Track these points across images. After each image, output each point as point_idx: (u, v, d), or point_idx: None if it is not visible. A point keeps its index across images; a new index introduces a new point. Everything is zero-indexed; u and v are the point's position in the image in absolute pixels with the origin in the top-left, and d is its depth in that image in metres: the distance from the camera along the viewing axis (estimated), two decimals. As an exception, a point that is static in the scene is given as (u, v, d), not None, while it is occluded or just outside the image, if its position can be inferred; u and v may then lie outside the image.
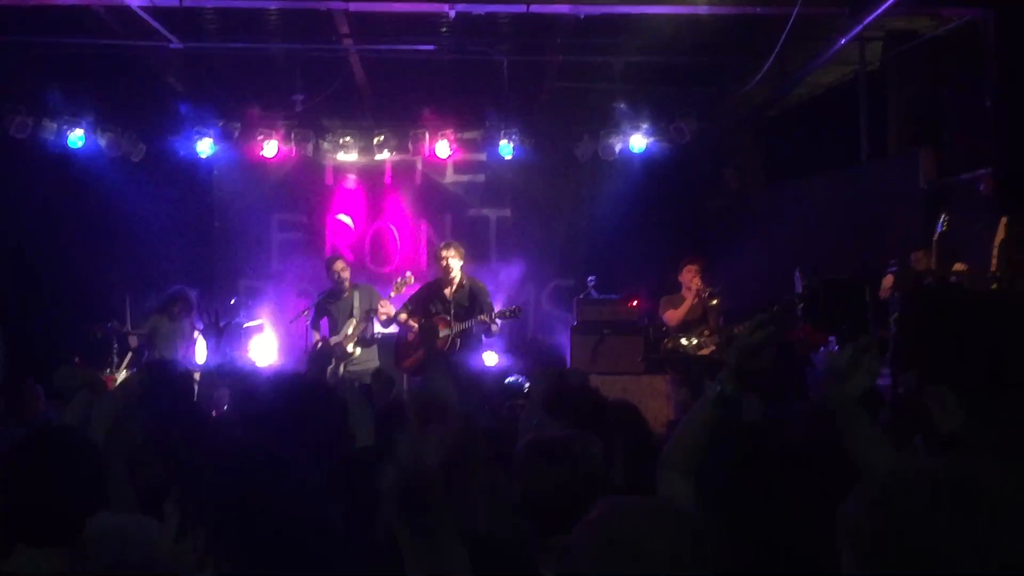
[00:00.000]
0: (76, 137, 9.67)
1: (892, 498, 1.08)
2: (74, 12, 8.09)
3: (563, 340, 9.38)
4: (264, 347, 9.85)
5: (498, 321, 8.05)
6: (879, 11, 7.16)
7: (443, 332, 7.94)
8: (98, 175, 9.84)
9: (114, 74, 9.48)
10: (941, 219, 6.80)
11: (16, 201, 9.24)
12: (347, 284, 8.39)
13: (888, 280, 7.20)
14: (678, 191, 10.30)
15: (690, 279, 8.25)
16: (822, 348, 7.25)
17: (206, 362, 8.49)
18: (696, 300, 8.13)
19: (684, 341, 8.13)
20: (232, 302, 9.50)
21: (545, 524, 2.26)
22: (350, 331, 8.28)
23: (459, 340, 8.00)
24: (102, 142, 9.80)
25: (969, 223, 7.14)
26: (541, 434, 2.62)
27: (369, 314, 8.28)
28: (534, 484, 2.33)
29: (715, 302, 8.04)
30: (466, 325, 7.95)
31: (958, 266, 6.62)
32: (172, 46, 8.52)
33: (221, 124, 10.05)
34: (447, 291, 8.07)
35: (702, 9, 7.52)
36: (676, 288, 8.40)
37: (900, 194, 8.26)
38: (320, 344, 8.38)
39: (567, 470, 2.34)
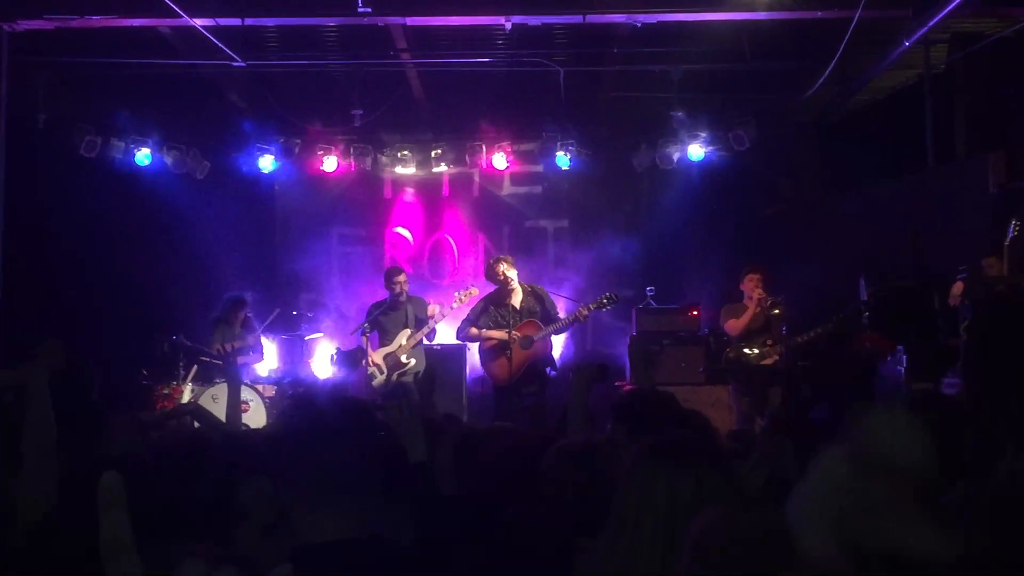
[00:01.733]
0: (143, 155, 9.93)
1: None
2: (140, 33, 8.31)
3: (622, 351, 9.32)
4: (325, 360, 9.96)
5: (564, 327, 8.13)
6: (944, 12, 7.00)
7: (537, 335, 7.99)
8: (164, 192, 10.08)
9: (179, 93, 9.72)
10: (1012, 224, 6.60)
11: (85, 218, 9.48)
12: (405, 296, 8.45)
13: (958, 287, 7.00)
14: (738, 199, 10.18)
15: (752, 288, 8.12)
16: (889, 357, 7.08)
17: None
18: (758, 309, 8.01)
19: (747, 351, 8.01)
20: (295, 314, 9.63)
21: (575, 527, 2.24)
22: (404, 341, 8.34)
23: (545, 344, 8.08)
24: (168, 160, 10.04)
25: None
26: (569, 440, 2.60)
27: (420, 324, 8.35)
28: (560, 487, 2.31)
29: (777, 311, 7.92)
30: (557, 326, 8.06)
31: None
32: (235, 64, 8.69)
33: (282, 140, 10.23)
34: (514, 301, 8.10)
35: (760, 15, 7.43)
36: (738, 297, 8.29)
37: (969, 199, 8.04)
38: (355, 351, 8.45)
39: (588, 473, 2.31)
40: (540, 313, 8.12)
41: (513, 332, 7.95)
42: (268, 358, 9.30)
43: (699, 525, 1.47)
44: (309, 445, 2.20)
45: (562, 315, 8.24)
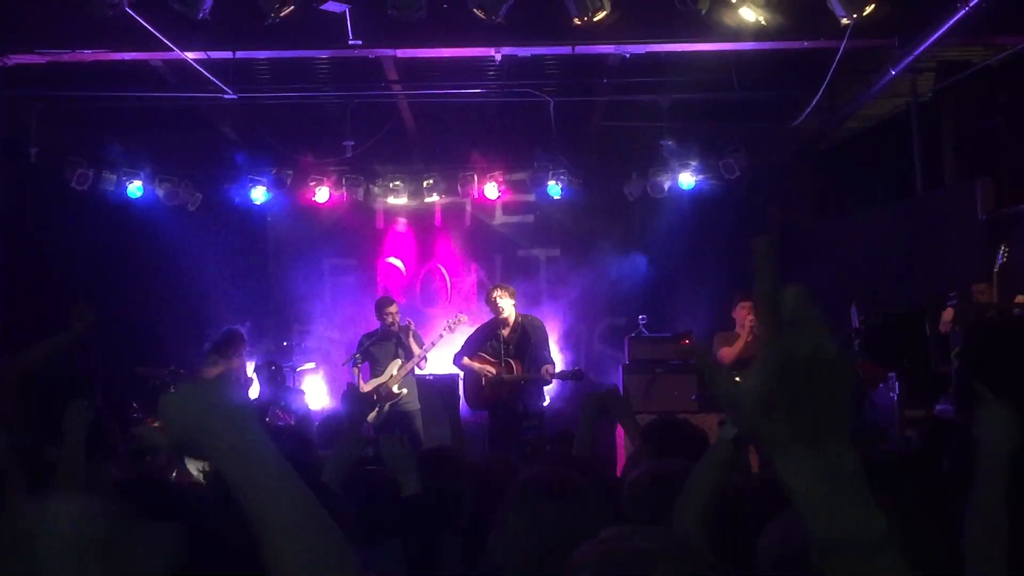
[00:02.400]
0: (135, 188, 9.94)
1: None
2: (132, 67, 8.34)
3: (616, 379, 9.30)
4: (316, 389, 9.93)
5: (552, 373, 8.07)
6: (929, 42, 7.05)
7: (509, 376, 7.95)
8: (156, 224, 10.09)
9: (170, 125, 9.76)
10: (1001, 251, 6.63)
11: (78, 251, 9.48)
12: (396, 327, 8.43)
13: (948, 313, 7.02)
14: (728, 228, 10.21)
15: (744, 316, 8.13)
16: (881, 384, 7.08)
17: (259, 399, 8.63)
18: (750, 338, 8.00)
19: (739, 379, 7.98)
20: (285, 344, 9.60)
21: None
22: (395, 372, 8.31)
23: (526, 383, 8.04)
24: (160, 192, 10.06)
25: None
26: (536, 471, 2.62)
27: (416, 357, 8.32)
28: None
29: None
30: (531, 375, 7.97)
31: (1020, 298, 6.44)
32: (226, 97, 8.72)
33: (274, 171, 10.27)
34: (504, 332, 8.08)
35: (748, 45, 7.49)
36: (730, 325, 8.29)
37: (958, 226, 8.08)
38: (352, 388, 8.44)
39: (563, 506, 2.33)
40: (525, 348, 8.06)
41: (487, 368, 7.96)
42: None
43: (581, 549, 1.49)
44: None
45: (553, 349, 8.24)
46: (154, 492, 2.50)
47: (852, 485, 0.91)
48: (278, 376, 8.98)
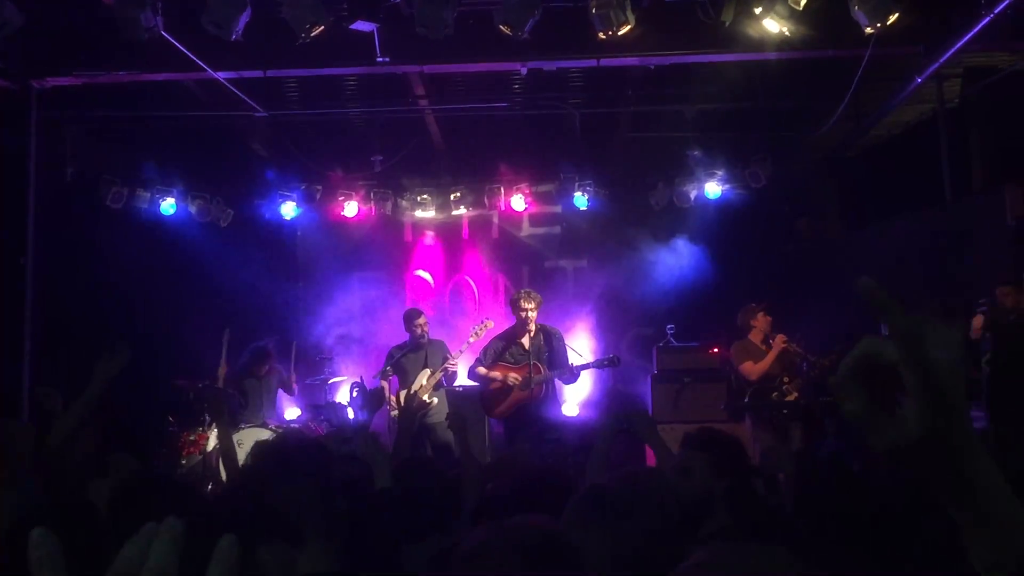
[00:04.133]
0: (168, 205, 10.13)
1: None
2: (165, 87, 8.52)
3: (644, 389, 9.32)
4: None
5: (577, 370, 8.02)
6: (955, 48, 7.05)
7: (538, 376, 7.93)
8: (189, 241, 10.25)
9: (202, 143, 9.93)
10: (1031, 256, 6.61)
11: (113, 268, 9.64)
12: (425, 339, 8.49)
13: (978, 320, 6.99)
14: (755, 237, 10.22)
15: (765, 326, 8.16)
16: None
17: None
18: (779, 351, 7.99)
19: (774, 395, 8.00)
20: (318, 359, 9.71)
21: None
22: (424, 381, 8.36)
23: (544, 388, 8.00)
24: (192, 209, 10.24)
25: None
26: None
27: (444, 366, 8.35)
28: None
29: (796, 349, 7.96)
30: (553, 374, 7.94)
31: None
32: (257, 115, 8.88)
33: (304, 187, 10.42)
34: (524, 340, 8.08)
35: (772, 55, 7.52)
36: (742, 332, 8.30)
37: (987, 232, 8.05)
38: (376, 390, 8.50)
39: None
40: (546, 355, 8.05)
41: (512, 375, 7.94)
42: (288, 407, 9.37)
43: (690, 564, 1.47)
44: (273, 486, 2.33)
45: (573, 359, 8.18)
46: (160, 487, 2.60)
47: (1011, 496, 0.88)
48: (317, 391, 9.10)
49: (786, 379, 7.97)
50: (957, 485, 0.88)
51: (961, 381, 0.87)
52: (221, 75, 7.78)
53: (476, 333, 8.52)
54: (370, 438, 3.52)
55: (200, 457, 7.99)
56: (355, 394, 8.56)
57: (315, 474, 2.41)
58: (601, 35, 6.78)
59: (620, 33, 6.70)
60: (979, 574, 0.88)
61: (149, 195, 10.03)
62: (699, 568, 1.43)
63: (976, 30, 6.71)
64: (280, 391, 8.98)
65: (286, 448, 2.63)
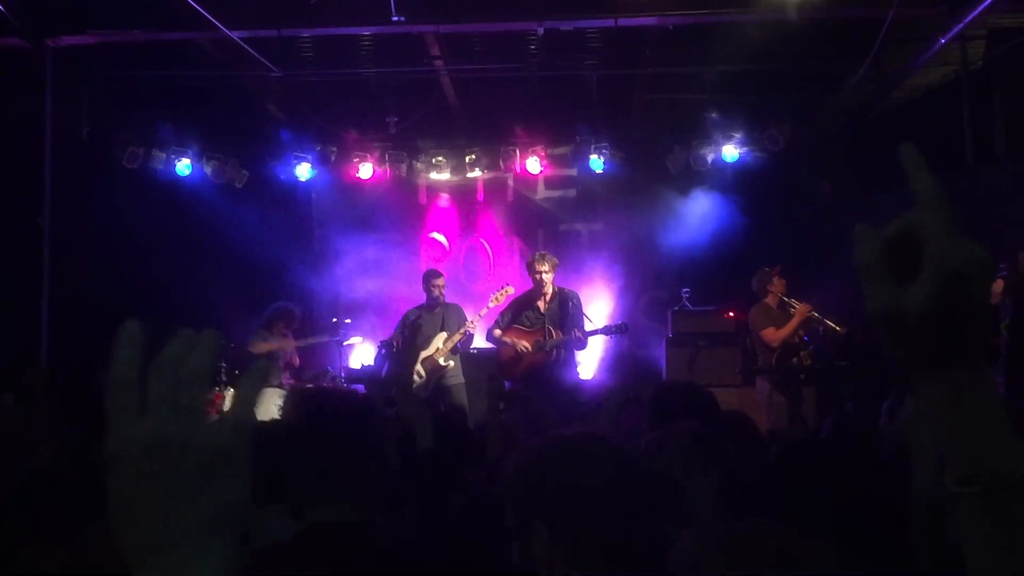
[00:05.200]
0: (183, 166, 10.13)
1: None
2: (181, 46, 8.48)
3: (659, 353, 9.31)
4: (363, 362, 10.06)
5: (586, 336, 8.02)
6: (980, 9, 6.92)
7: (551, 341, 7.94)
8: (204, 201, 10.25)
9: (217, 104, 9.88)
10: (1053, 220, 6.53)
11: (129, 228, 9.66)
12: (442, 300, 8.49)
13: (999, 285, 6.92)
14: (772, 200, 10.12)
15: (782, 288, 8.12)
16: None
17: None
18: (800, 320, 7.96)
19: (794, 360, 7.98)
20: (333, 321, 9.74)
21: None
22: (441, 344, 8.37)
23: (560, 352, 8.01)
24: (208, 170, 10.23)
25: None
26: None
27: (460, 330, 8.35)
28: None
29: (819, 317, 7.94)
30: (566, 338, 7.93)
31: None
32: (271, 75, 8.83)
33: (319, 148, 10.38)
34: (540, 303, 8.07)
35: (793, 14, 7.40)
36: (758, 296, 8.26)
37: (1009, 197, 7.95)
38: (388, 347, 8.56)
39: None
40: (560, 319, 8.03)
41: (522, 343, 7.95)
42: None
43: (685, 548, 1.42)
44: (313, 440, 2.33)
45: (589, 323, 8.17)
46: None
47: (998, 414, 0.83)
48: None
49: (802, 344, 7.95)
50: (941, 378, 0.84)
51: (984, 273, 0.83)
52: (236, 34, 7.73)
53: (496, 298, 8.51)
54: (415, 399, 3.63)
55: (216, 417, 8.04)
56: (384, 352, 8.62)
57: (362, 431, 2.43)
58: (620, -6, 6.68)
59: (639, -8, 6.60)
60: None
61: (164, 156, 10.03)
62: (689, 553, 1.39)
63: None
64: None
65: (330, 403, 2.64)
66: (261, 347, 8.76)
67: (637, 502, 1.69)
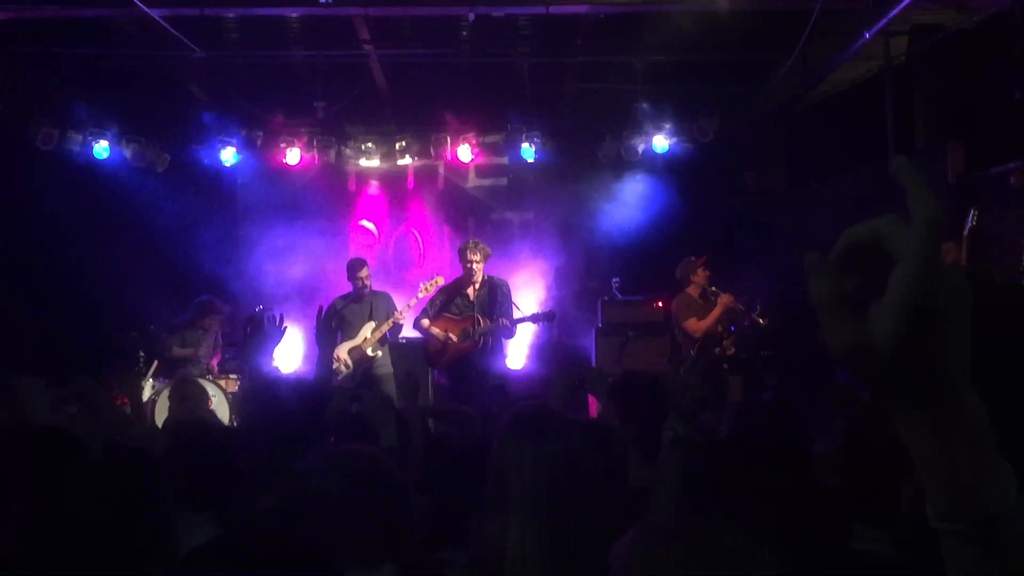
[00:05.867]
0: (101, 148, 9.75)
1: None
2: (97, 24, 8.17)
3: (588, 342, 9.34)
4: (289, 354, 9.88)
5: (514, 324, 8.02)
6: (903, 4, 7.06)
7: (479, 328, 7.90)
8: (124, 185, 9.92)
9: (137, 85, 9.58)
10: (971, 214, 6.67)
11: (43, 212, 9.32)
12: (368, 290, 8.37)
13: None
14: (702, 191, 10.22)
15: (704, 279, 8.22)
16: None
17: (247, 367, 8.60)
18: (722, 311, 8.06)
19: (716, 349, 8.08)
20: (258, 309, 9.51)
21: None
22: (369, 334, 8.25)
23: (488, 339, 7.97)
24: (127, 153, 9.88)
25: (1000, 217, 7.03)
26: None
27: (389, 319, 8.25)
28: None
29: (740, 307, 8.04)
30: (494, 325, 7.90)
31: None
32: (194, 56, 8.57)
33: (244, 132, 10.11)
34: (469, 291, 8.03)
35: (722, 5, 7.45)
36: (680, 285, 8.35)
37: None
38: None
39: None
40: (489, 307, 8.02)
41: (448, 334, 7.94)
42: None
43: (625, 546, 1.41)
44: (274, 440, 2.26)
45: (517, 312, 8.20)
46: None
47: (980, 444, 0.78)
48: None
49: (725, 334, 8.05)
50: (920, 407, 0.78)
51: (964, 305, 0.76)
52: (155, 12, 7.47)
53: (425, 288, 8.43)
54: (377, 398, 3.64)
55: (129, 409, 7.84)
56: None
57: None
58: (551, -20, 6.63)
59: (570, -21, 6.56)
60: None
61: (81, 137, 9.64)
62: (636, 546, 1.38)
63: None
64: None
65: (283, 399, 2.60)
66: (178, 352, 8.60)
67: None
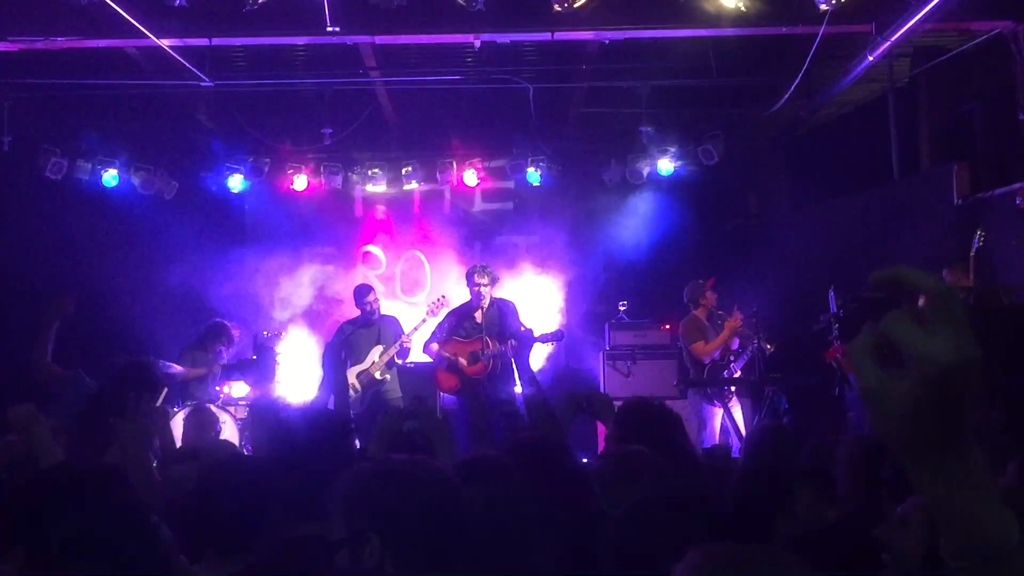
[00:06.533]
0: (110, 176, 9.82)
1: None
2: (107, 54, 8.25)
3: (595, 365, 9.34)
4: (296, 379, 9.89)
5: (524, 334, 8.02)
6: (906, 28, 7.10)
7: (484, 353, 7.90)
8: (132, 213, 9.97)
9: (146, 113, 9.64)
10: (977, 235, 6.70)
11: (52, 241, 9.37)
12: (376, 315, 8.41)
13: (924, 300, 7.06)
14: (707, 214, 10.26)
15: (712, 301, 8.24)
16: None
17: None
18: (729, 333, 8.06)
19: (723, 373, 8.08)
20: (265, 334, 9.55)
21: None
22: (377, 358, 8.28)
23: (497, 363, 7.97)
24: (136, 181, 9.95)
25: (1006, 238, 7.05)
26: None
27: (396, 343, 8.27)
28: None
29: (747, 331, 8.05)
30: (503, 348, 7.91)
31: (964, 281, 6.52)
32: (203, 84, 8.63)
33: (251, 160, 10.18)
34: (477, 315, 8.06)
35: (726, 31, 7.51)
36: (688, 308, 8.36)
37: (933, 210, 8.16)
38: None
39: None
40: (499, 329, 8.02)
41: (461, 356, 7.92)
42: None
43: (687, 567, 1.48)
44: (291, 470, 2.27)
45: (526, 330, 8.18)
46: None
47: (985, 489, 0.90)
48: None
49: (732, 357, 8.07)
50: (929, 463, 0.90)
51: (971, 370, 0.87)
52: (165, 42, 7.54)
53: (432, 310, 8.47)
54: (435, 415, 3.56)
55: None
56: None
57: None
58: (556, 7, 6.70)
59: (575, 6, 6.63)
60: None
61: (90, 166, 9.71)
62: (695, 570, 1.44)
63: (927, 10, 6.78)
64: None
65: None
66: (192, 372, 8.58)
67: (452, 519, 1.89)
